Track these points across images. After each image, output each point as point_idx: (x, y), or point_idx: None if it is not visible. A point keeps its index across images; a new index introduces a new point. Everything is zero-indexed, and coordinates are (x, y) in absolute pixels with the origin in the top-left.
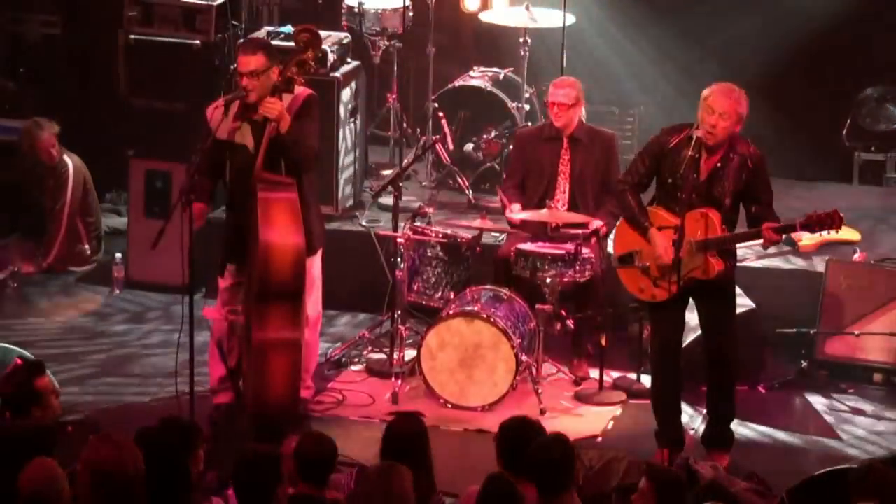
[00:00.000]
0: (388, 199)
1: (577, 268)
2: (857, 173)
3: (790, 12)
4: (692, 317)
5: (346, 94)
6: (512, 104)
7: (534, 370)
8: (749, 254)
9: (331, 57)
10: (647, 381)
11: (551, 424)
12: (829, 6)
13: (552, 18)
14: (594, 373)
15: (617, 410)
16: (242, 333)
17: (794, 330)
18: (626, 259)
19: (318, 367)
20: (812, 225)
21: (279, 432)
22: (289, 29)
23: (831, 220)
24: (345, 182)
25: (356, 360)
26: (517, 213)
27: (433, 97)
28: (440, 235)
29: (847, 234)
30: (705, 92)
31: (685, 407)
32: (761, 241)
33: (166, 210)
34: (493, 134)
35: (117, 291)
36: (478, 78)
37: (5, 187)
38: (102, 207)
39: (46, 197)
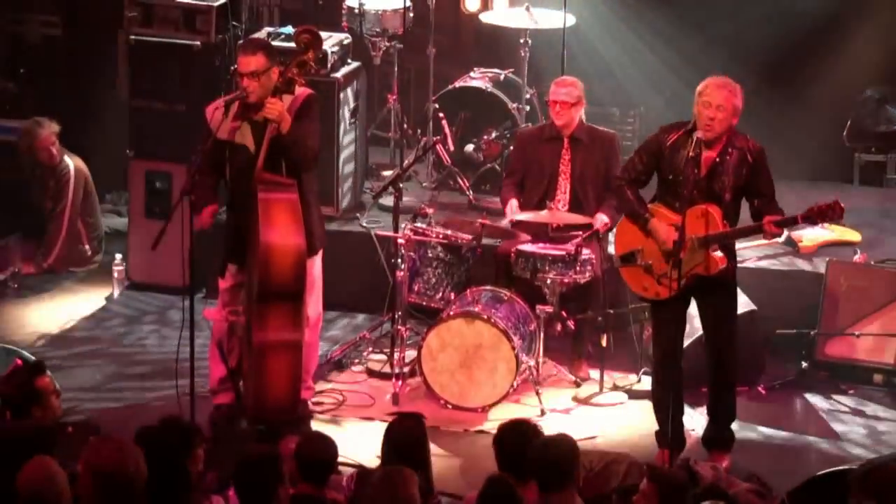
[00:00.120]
0: (388, 200)
1: (578, 269)
2: (858, 174)
3: (790, 13)
4: (693, 318)
5: (346, 94)
6: (512, 105)
7: (534, 371)
8: (749, 255)
9: (331, 58)
10: (647, 381)
11: (552, 425)
12: (830, 6)
13: (552, 19)
14: (595, 373)
15: (617, 411)
16: (243, 334)
17: (795, 331)
18: (628, 258)
19: (319, 367)
20: (814, 217)
21: (279, 433)
22: (289, 30)
23: (833, 212)
24: (345, 183)
25: (357, 360)
26: (515, 212)
27: (434, 98)
28: (440, 236)
29: (847, 234)
30: (700, 87)
31: (686, 408)
32: (763, 234)
33: (166, 211)
34: (493, 135)
35: (118, 292)
36: (478, 79)
37: (5, 187)
38: (103, 208)
39: (47, 198)
